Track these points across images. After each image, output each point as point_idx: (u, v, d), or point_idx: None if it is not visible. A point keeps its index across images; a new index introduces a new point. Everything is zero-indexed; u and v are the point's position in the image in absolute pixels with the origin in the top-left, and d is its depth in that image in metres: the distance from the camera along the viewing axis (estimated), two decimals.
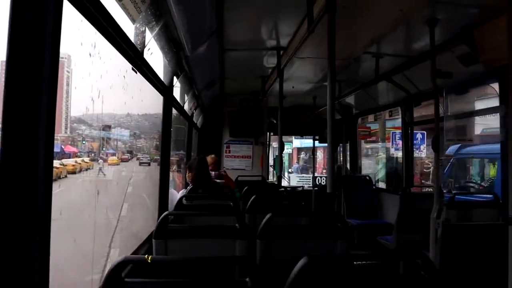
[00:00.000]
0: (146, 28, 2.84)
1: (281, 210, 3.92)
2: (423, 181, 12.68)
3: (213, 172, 5.43)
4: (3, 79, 1.20)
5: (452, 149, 9.16)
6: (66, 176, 4.34)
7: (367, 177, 8.01)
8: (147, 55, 2.91)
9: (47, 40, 1.29)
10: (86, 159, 5.26)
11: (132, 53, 2.53)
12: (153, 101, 3.99)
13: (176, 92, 4.66)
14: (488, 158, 8.99)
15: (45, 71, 1.29)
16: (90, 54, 2.68)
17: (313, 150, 8.76)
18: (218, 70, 5.90)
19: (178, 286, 1.57)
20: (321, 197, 7.24)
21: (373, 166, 15.94)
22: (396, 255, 2.78)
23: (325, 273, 2.64)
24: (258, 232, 2.72)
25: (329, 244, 2.75)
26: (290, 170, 24.58)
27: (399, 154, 10.17)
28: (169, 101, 3.94)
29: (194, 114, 6.77)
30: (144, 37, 2.82)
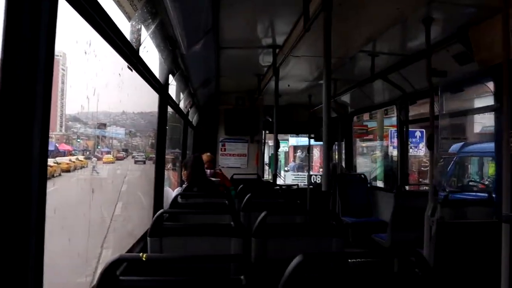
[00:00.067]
0: (142, 26, 2.84)
1: (276, 208, 3.93)
2: (420, 180, 12.71)
3: (208, 171, 5.42)
4: None
5: (455, 147, 9.08)
6: (60, 175, 4.32)
7: (362, 175, 8.03)
8: (142, 53, 2.90)
9: (42, 37, 1.28)
10: (81, 157, 5.24)
11: (128, 51, 2.52)
12: (148, 99, 3.98)
13: (172, 90, 4.65)
14: (492, 157, 8.93)
15: (39, 69, 1.28)
16: (85, 52, 2.67)
17: (309, 148, 8.77)
18: (214, 68, 5.90)
19: (173, 284, 1.57)
20: (317, 195, 7.26)
21: (370, 165, 15.97)
22: (390, 252, 2.80)
23: (320, 271, 2.65)
24: (253, 230, 2.72)
25: (324, 242, 2.75)
26: (286, 169, 24.59)
27: (396, 153, 10.19)
28: (164, 99, 3.94)
29: (189, 112, 6.76)
30: (139, 35, 2.81)
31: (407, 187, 6.62)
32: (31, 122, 1.25)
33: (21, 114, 1.23)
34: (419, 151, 12.24)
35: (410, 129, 6.77)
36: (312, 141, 8.49)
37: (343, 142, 9.19)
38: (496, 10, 3.32)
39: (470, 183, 9.38)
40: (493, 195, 4.32)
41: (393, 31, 4.25)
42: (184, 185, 4.59)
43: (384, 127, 13.94)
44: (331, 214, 3.31)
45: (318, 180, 11.32)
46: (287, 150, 28.28)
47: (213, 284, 1.59)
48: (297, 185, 9.61)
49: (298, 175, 16.21)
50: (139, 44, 2.80)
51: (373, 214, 7.40)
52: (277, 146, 6.04)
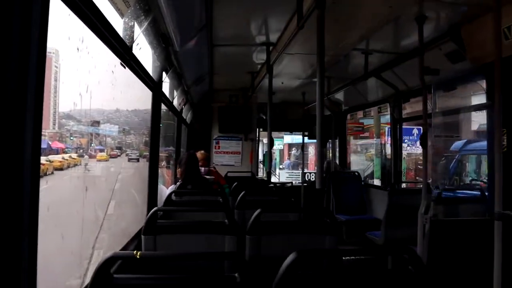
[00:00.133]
0: (135, 23, 2.82)
1: (270, 206, 3.93)
2: (417, 178, 12.74)
3: (202, 168, 5.42)
4: None
5: (457, 145, 8.98)
6: (52, 173, 4.28)
7: (356, 173, 8.06)
8: (135, 50, 2.89)
9: (34, 34, 1.27)
10: (74, 155, 5.20)
11: (121, 48, 2.51)
12: (142, 97, 3.97)
13: (165, 88, 4.63)
14: None
15: (31, 65, 1.27)
16: (78, 49, 2.65)
17: (303, 146, 8.80)
18: (207, 65, 5.89)
19: (167, 281, 1.57)
20: (311, 193, 7.29)
21: (366, 163, 16.00)
22: (384, 250, 2.81)
23: (314, 269, 2.66)
24: (247, 228, 2.73)
25: (317, 239, 2.76)
26: (281, 167, 24.61)
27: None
28: (158, 97, 3.92)
29: (183, 110, 6.75)
30: (132, 32, 2.80)
31: (403, 185, 6.64)
32: (23, 120, 1.24)
33: (13, 111, 1.22)
34: (416, 148, 12.27)
35: (407, 127, 6.78)
36: (306, 139, 8.52)
37: (337, 140, 9.22)
38: (488, 8, 3.34)
39: (473, 182, 9.30)
40: (486, 193, 4.35)
41: (386, 29, 4.27)
42: (178, 182, 4.58)
43: (381, 124, 13.97)
44: (325, 212, 3.32)
45: (313, 178, 11.35)
46: (282, 148, 28.29)
47: (207, 281, 1.59)
48: (291, 183, 9.63)
49: (292, 172, 16.25)
50: (132, 41, 2.79)
51: (367, 212, 7.43)
52: (271, 144, 6.03)
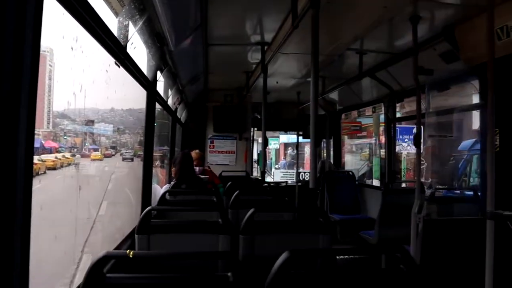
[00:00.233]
0: (130, 22, 2.82)
1: (264, 206, 3.94)
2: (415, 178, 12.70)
3: (197, 168, 5.42)
4: None
5: (465, 144, 8.84)
6: (45, 172, 4.26)
7: (350, 173, 8.08)
8: (130, 49, 2.89)
9: (28, 32, 1.27)
10: (67, 155, 5.18)
11: (115, 47, 2.50)
12: (137, 96, 3.96)
13: (160, 87, 4.63)
14: None
15: (25, 65, 1.26)
16: (72, 48, 2.65)
17: (297, 145, 8.80)
18: (202, 64, 5.88)
19: (160, 281, 1.57)
20: (305, 192, 7.29)
21: (364, 163, 16.01)
22: (377, 249, 2.82)
23: (307, 268, 2.66)
24: (241, 227, 2.73)
25: (311, 239, 2.77)
26: (277, 166, 24.61)
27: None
28: (152, 96, 3.92)
29: (178, 109, 6.74)
30: (127, 31, 2.79)
31: (403, 185, 6.66)
32: (16, 119, 1.24)
33: (6, 110, 1.21)
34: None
35: (407, 126, 6.76)
36: (301, 139, 8.53)
37: (332, 140, 9.23)
38: (482, 9, 3.36)
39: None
40: (479, 193, 4.38)
41: (381, 29, 4.28)
42: (172, 182, 4.58)
43: (380, 124, 13.97)
44: (319, 211, 3.33)
45: (307, 177, 11.36)
46: (278, 148, 28.28)
47: (200, 281, 1.59)
48: (286, 182, 9.64)
49: (287, 172, 16.27)
50: (127, 40, 2.78)
51: (361, 211, 7.45)
52: (265, 143, 6.04)
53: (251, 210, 2.75)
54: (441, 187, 7.23)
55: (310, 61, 3.27)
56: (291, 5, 3.50)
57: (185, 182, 4.36)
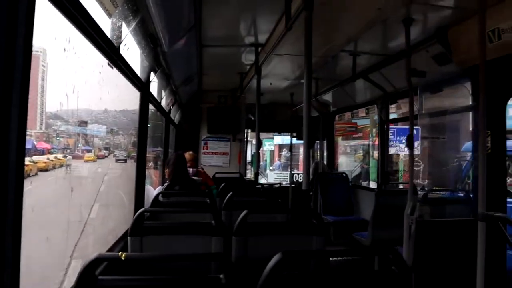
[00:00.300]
0: (123, 23, 2.81)
1: (258, 207, 3.94)
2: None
3: (190, 169, 5.41)
4: None
5: (468, 145, 8.78)
6: (36, 174, 4.22)
7: (344, 174, 8.10)
8: (123, 50, 2.88)
9: (20, 33, 1.26)
10: (60, 156, 5.15)
11: (108, 48, 2.49)
12: (131, 97, 3.95)
13: (154, 88, 4.61)
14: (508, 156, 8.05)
15: (17, 64, 1.26)
16: (64, 49, 2.64)
17: (291, 147, 8.81)
18: (196, 66, 5.87)
19: (152, 283, 1.57)
20: (298, 194, 7.30)
21: (358, 164, 16.02)
22: (370, 251, 2.83)
23: (301, 269, 2.67)
24: (234, 229, 2.73)
25: (305, 240, 2.77)
26: (271, 168, 24.59)
27: (391, 151, 10.10)
28: (146, 97, 3.91)
29: (171, 110, 6.73)
30: (120, 32, 2.79)
31: (401, 186, 6.67)
32: (8, 119, 1.23)
33: None
34: (414, 149, 12.25)
35: (404, 127, 6.74)
36: (295, 140, 8.54)
37: (325, 141, 9.25)
38: (473, 12, 3.39)
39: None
40: (471, 194, 4.40)
41: (374, 31, 4.30)
42: (165, 183, 4.56)
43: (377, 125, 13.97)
44: (312, 213, 3.33)
45: (301, 179, 11.37)
46: (273, 149, 28.26)
47: (192, 283, 1.59)
48: (280, 183, 9.64)
49: (281, 173, 16.25)
50: (120, 42, 2.78)
51: (354, 213, 7.47)
52: (258, 144, 6.04)
53: (244, 212, 2.74)
54: (433, 188, 7.26)
55: (303, 62, 3.27)
56: (285, 6, 3.51)
57: (179, 184, 4.35)
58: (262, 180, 13.81)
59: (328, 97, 8.16)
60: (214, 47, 5.17)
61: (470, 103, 4.05)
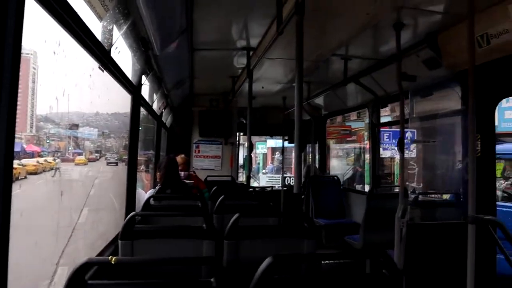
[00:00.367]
0: (114, 26, 2.80)
1: (249, 211, 3.93)
2: (407, 183, 12.70)
3: (182, 172, 5.39)
4: None
5: None
6: (25, 177, 4.19)
7: (335, 177, 8.12)
8: (114, 54, 2.87)
9: (8, 35, 1.25)
10: (50, 159, 5.11)
11: (99, 52, 2.49)
12: (123, 100, 3.94)
13: (145, 91, 4.60)
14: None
15: (5, 66, 1.25)
16: (54, 52, 2.62)
17: (283, 150, 8.83)
18: (187, 69, 5.87)
19: (142, 287, 1.56)
20: (290, 197, 7.30)
21: (352, 168, 16.01)
22: (361, 254, 2.83)
23: (293, 273, 2.67)
24: (226, 233, 2.72)
25: (296, 243, 2.77)
26: (264, 171, 24.56)
27: (386, 154, 10.15)
28: (137, 100, 3.90)
29: (163, 114, 6.71)
30: (111, 35, 2.78)
31: (396, 189, 6.68)
32: None
33: None
34: (410, 153, 12.27)
35: (399, 130, 6.74)
36: (287, 143, 8.55)
37: (317, 144, 9.28)
38: (463, 17, 3.42)
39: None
40: (461, 197, 4.43)
41: (365, 35, 4.32)
42: (157, 187, 4.55)
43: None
44: (303, 216, 3.33)
45: (293, 182, 11.37)
46: (266, 152, 28.23)
47: (183, 287, 1.58)
48: (272, 187, 9.65)
49: (273, 177, 16.25)
50: (111, 45, 2.77)
51: (346, 216, 7.49)
52: (250, 148, 6.04)
53: (236, 215, 2.74)
54: (424, 192, 7.30)
55: (295, 66, 3.28)
56: (276, 11, 3.51)
57: (170, 187, 4.33)
58: (254, 184, 13.81)
59: (319, 100, 8.19)
60: (206, 51, 5.17)
61: (460, 107, 4.08)
